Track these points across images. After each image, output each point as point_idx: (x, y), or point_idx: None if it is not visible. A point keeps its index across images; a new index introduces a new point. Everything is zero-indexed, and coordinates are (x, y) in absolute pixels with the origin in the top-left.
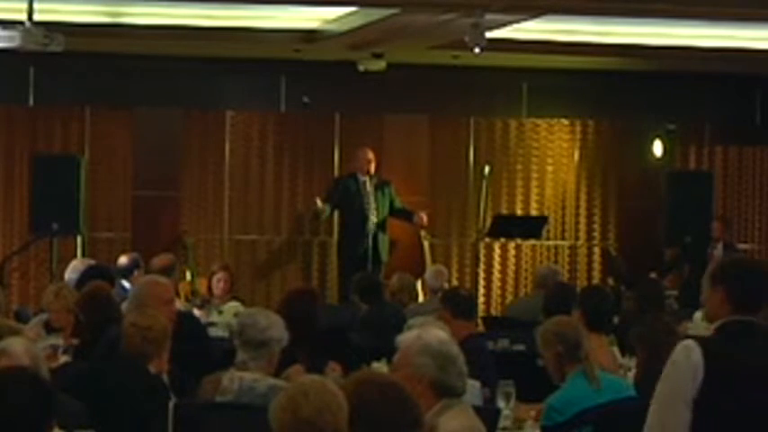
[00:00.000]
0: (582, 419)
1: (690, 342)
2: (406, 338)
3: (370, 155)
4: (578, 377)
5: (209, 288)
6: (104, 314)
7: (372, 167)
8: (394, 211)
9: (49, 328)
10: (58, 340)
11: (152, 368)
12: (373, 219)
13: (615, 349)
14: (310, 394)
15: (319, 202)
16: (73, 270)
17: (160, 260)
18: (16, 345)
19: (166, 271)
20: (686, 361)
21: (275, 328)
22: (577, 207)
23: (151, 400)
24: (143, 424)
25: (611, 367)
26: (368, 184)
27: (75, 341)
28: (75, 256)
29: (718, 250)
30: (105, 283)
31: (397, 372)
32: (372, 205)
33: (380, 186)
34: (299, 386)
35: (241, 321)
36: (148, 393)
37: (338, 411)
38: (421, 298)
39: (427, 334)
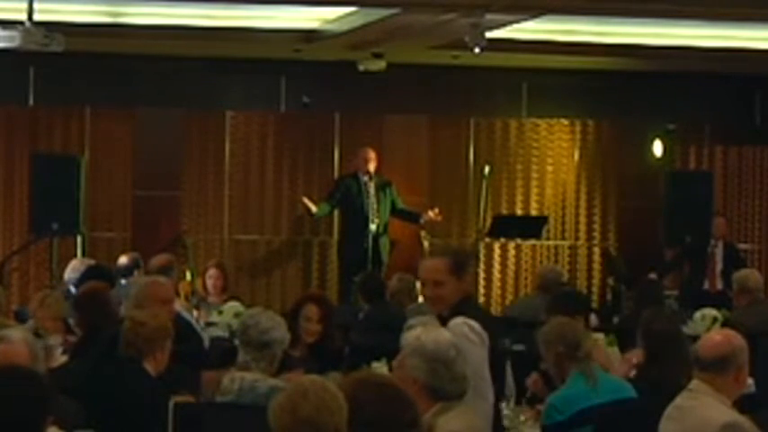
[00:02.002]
0: (582, 418)
1: (464, 319)
2: (407, 338)
3: (372, 154)
4: (578, 377)
5: (204, 286)
6: (100, 314)
7: (373, 167)
8: (398, 213)
9: (39, 334)
10: (58, 340)
11: (148, 366)
12: (375, 220)
13: (615, 349)
14: (309, 394)
15: (307, 202)
16: (73, 270)
17: (158, 260)
18: (15, 333)
19: (164, 271)
20: (475, 332)
21: (278, 329)
22: (577, 207)
23: (151, 401)
24: (142, 424)
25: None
26: (370, 184)
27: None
28: (75, 256)
29: (718, 248)
30: (103, 284)
31: (397, 372)
32: (374, 206)
33: (382, 187)
34: (299, 386)
35: (244, 322)
36: (148, 393)
37: (337, 411)
38: (421, 298)
39: (426, 335)
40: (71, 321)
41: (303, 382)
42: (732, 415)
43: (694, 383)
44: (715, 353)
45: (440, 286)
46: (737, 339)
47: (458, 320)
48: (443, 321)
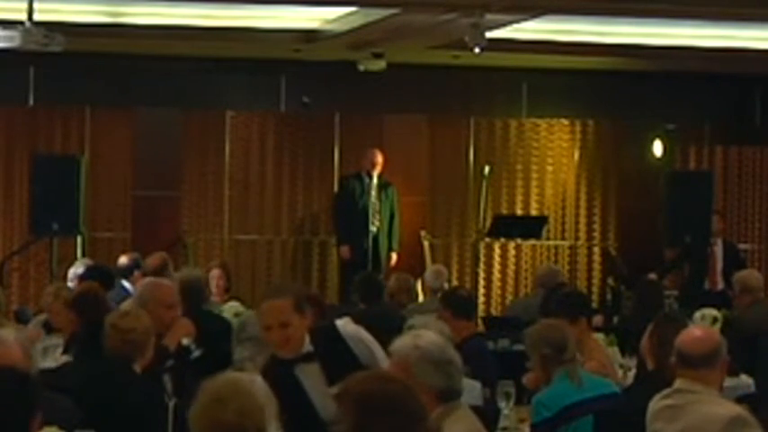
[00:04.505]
0: (568, 414)
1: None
2: (401, 347)
3: (379, 157)
4: (563, 377)
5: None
6: (92, 314)
7: (379, 169)
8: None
9: (49, 328)
10: (59, 340)
11: (137, 369)
12: (375, 221)
13: (615, 349)
14: (225, 399)
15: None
16: (75, 271)
17: (153, 260)
18: (7, 333)
19: (159, 271)
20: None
21: None
22: (577, 207)
23: (151, 401)
24: (143, 425)
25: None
26: (372, 185)
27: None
28: (75, 256)
29: (718, 246)
30: (97, 284)
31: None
32: (375, 207)
33: (384, 187)
34: (213, 393)
35: (243, 320)
36: (148, 394)
37: (258, 411)
38: (421, 298)
39: (422, 340)
40: None
41: (216, 389)
42: (736, 409)
43: (682, 382)
44: (704, 348)
45: (287, 327)
46: (714, 331)
47: (349, 325)
48: (298, 361)
